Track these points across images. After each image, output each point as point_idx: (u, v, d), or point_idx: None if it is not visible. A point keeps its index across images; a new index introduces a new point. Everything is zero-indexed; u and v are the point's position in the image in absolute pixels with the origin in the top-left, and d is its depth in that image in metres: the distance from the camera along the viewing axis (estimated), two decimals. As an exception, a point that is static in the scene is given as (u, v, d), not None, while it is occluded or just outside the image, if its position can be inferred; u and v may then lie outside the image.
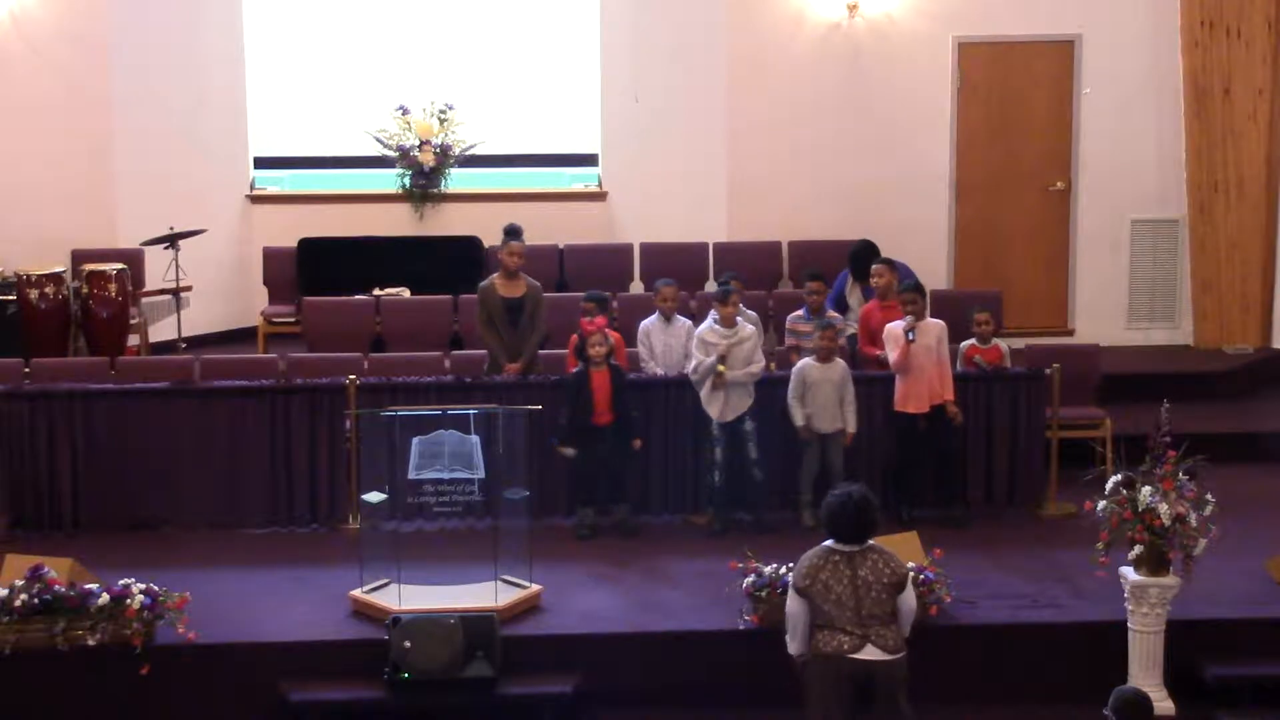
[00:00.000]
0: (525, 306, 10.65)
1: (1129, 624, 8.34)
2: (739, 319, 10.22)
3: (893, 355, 10.24)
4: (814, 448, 10.16)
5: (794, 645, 7.50)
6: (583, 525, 10.13)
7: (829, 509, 7.43)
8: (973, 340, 10.83)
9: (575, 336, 10.26)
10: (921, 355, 10.17)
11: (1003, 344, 10.89)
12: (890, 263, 11.08)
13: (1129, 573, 8.29)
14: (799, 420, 10.14)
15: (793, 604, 7.47)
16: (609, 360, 10.09)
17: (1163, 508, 8.08)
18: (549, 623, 8.79)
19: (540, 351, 10.79)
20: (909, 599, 7.47)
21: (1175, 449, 8.20)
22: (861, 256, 11.66)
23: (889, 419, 10.35)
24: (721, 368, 10.00)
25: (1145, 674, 8.31)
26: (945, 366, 10.30)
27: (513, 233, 10.78)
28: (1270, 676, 8.53)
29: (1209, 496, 8.21)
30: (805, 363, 10.25)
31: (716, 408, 10.08)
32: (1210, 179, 13.29)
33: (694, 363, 10.18)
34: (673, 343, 10.62)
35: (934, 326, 10.29)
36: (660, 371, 10.54)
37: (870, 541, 7.42)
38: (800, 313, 10.98)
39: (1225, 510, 8.30)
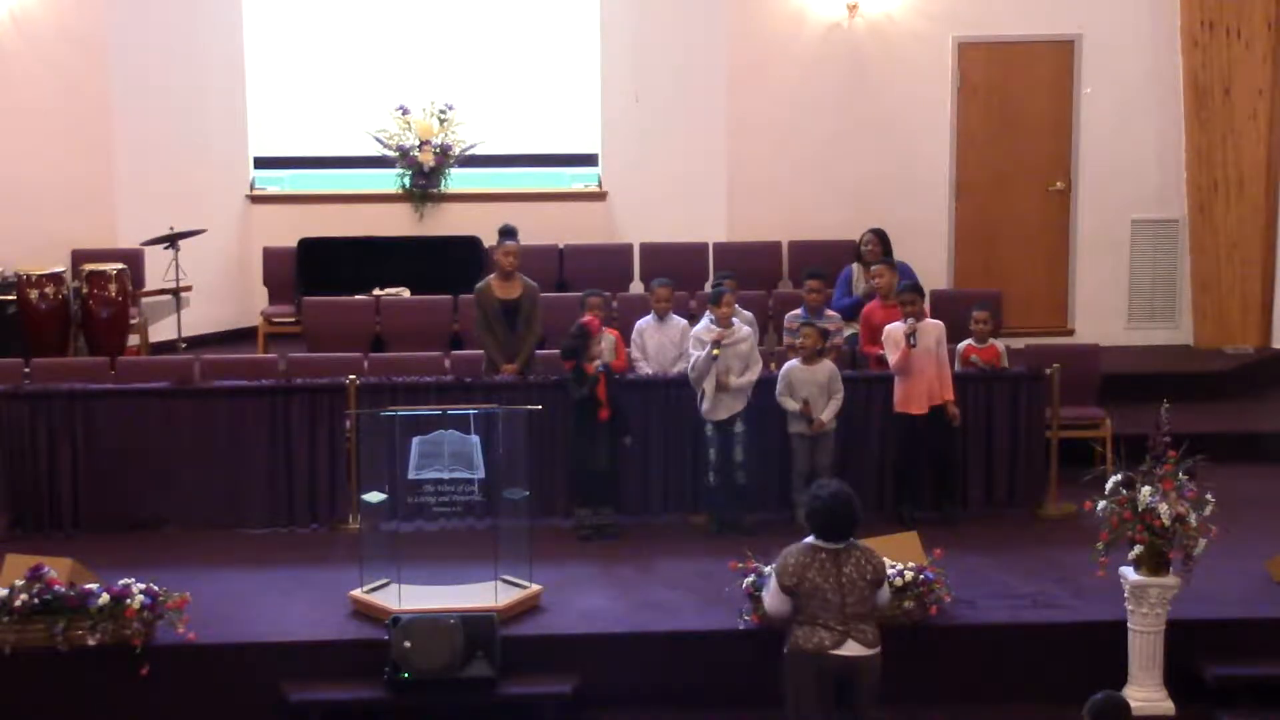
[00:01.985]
0: (522, 307, 10.65)
1: (1129, 624, 8.34)
2: (735, 319, 10.22)
3: (892, 357, 10.24)
4: (804, 449, 10.15)
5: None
6: (583, 526, 10.13)
7: (813, 507, 7.52)
8: (970, 340, 10.84)
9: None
10: (921, 356, 10.17)
11: (1000, 344, 10.90)
12: (891, 262, 11.09)
13: (1129, 573, 8.29)
14: (792, 406, 10.07)
15: (775, 602, 7.57)
16: (600, 361, 10.09)
17: (1163, 508, 8.08)
18: (549, 623, 8.79)
19: (538, 351, 10.79)
20: (884, 594, 7.68)
21: (1175, 449, 8.21)
22: None
23: (889, 420, 10.35)
24: (716, 351, 9.99)
25: (1145, 674, 8.31)
26: (945, 367, 10.30)
27: (508, 233, 10.79)
28: (1270, 676, 8.52)
29: (1209, 496, 8.20)
30: (791, 363, 10.25)
31: (709, 406, 10.07)
32: (1210, 179, 13.29)
33: (691, 360, 10.18)
34: (666, 342, 10.63)
35: (933, 327, 10.30)
36: (650, 371, 10.53)
37: (851, 539, 7.51)
38: (799, 312, 10.98)
39: (1225, 510, 8.30)
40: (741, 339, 10.17)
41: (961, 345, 10.79)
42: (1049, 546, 9.88)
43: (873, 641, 7.43)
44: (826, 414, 10.10)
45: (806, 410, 10.06)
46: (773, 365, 10.69)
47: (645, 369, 10.60)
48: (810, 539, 7.52)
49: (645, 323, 10.74)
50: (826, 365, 10.24)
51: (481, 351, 10.84)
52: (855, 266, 12.02)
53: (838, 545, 7.46)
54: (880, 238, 11.97)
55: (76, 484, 10.21)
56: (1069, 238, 13.60)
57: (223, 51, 13.64)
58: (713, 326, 10.14)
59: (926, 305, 10.84)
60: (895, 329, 10.26)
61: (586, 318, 10.25)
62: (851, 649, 7.36)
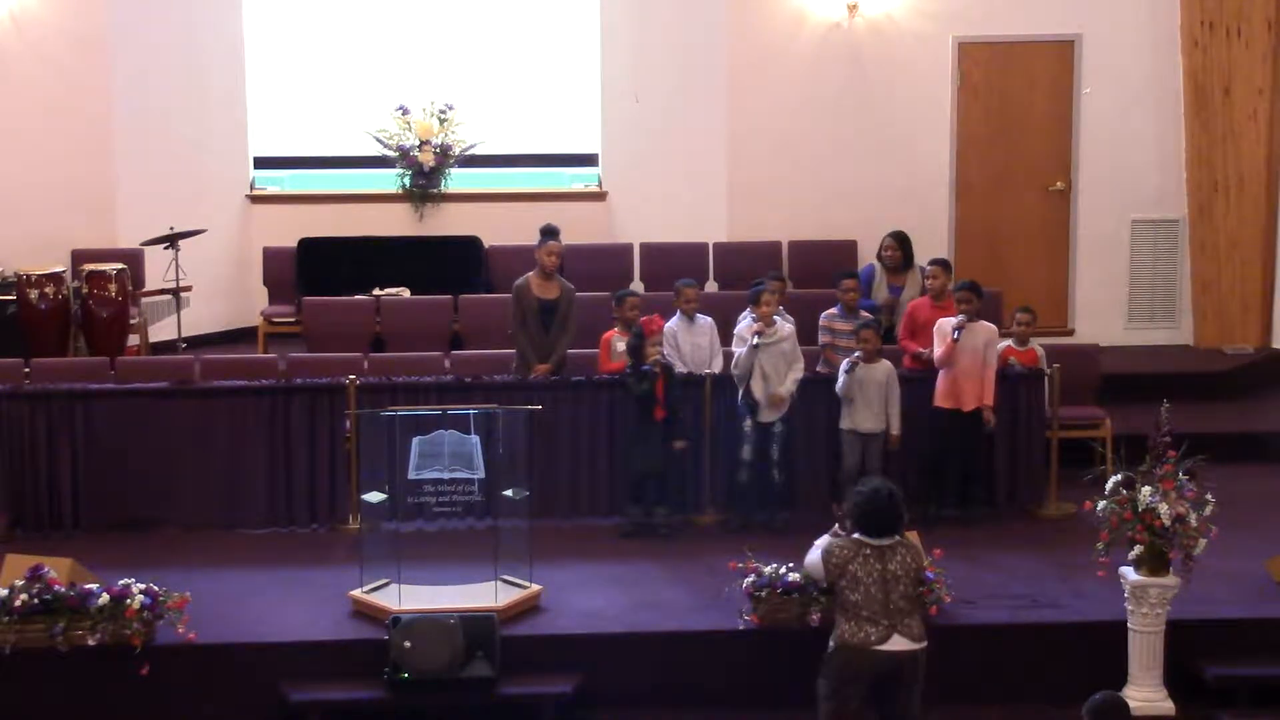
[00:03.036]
0: (559, 307, 10.62)
1: (1129, 624, 8.34)
2: (777, 318, 10.21)
3: (938, 350, 10.25)
4: (854, 447, 10.14)
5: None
6: (630, 523, 10.11)
7: (859, 504, 7.53)
8: (1010, 341, 10.80)
9: (608, 335, 10.38)
10: (967, 355, 10.17)
11: (1039, 346, 10.87)
12: (945, 263, 11.07)
13: (1129, 573, 8.29)
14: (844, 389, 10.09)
15: (815, 568, 7.67)
16: (663, 360, 10.11)
17: (1163, 508, 8.08)
18: (549, 623, 8.79)
19: (569, 352, 10.77)
20: None
21: (1175, 449, 8.21)
22: None
23: (918, 418, 10.31)
24: (756, 341, 9.99)
25: (1145, 674, 8.32)
26: (990, 370, 10.28)
27: (550, 233, 10.77)
28: (1270, 676, 8.52)
29: (1209, 496, 8.21)
30: (854, 358, 10.22)
31: (764, 408, 10.07)
32: (1210, 179, 13.29)
33: (735, 357, 10.17)
34: (700, 342, 10.58)
35: (984, 329, 10.30)
36: (688, 371, 10.47)
37: (899, 535, 7.53)
38: (835, 310, 10.92)
39: (1225, 510, 8.31)
40: (784, 337, 10.16)
41: (1001, 346, 10.73)
42: (1049, 546, 9.89)
43: (919, 635, 7.44)
44: (895, 426, 10.16)
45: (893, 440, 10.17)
46: (818, 366, 10.67)
47: (682, 368, 10.51)
48: (857, 534, 7.53)
49: (674, 324, 10.64)
50: (885, 364, 10.23)
51: (481, 351, 10.86)
52: (877, 267, 12.01)
53: (884, 541, 7.47)
54: (900, 241, 11.97)
55: (76, 484, 10.20)
56: (1069, 238, 13.60)
57: (223, 51, 13.64)
58: (754, 324, 10.14)
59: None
60: (946, 322, 10.27)
61: (644, 317, 10.22)
62: (897, 644, 7.37)
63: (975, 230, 13.57)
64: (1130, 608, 8.32)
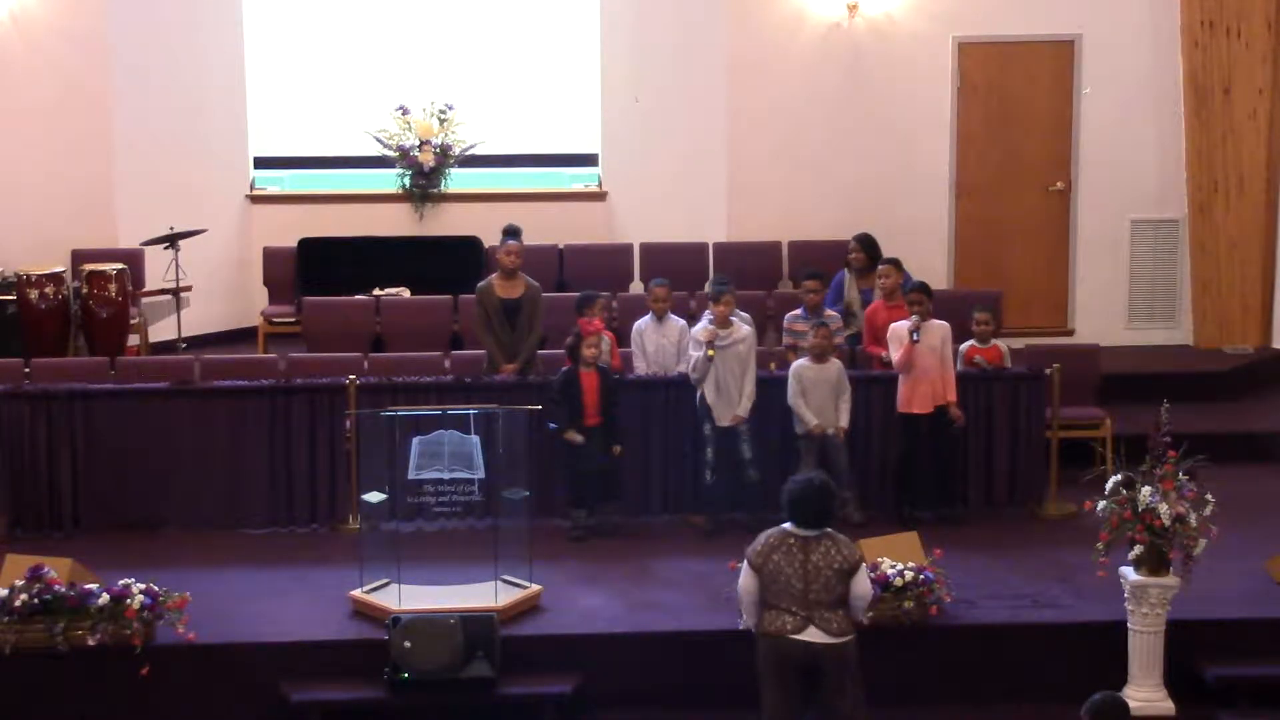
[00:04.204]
0: (524, 307, 10.65)
1: (1129, 624, 8.34)
2: (734, 319, 10.21)
3: (896, 355, 10.25)
4: (812, 451, 10.14)
5: (748, 620, 7.70)
6: (576, 527, 10.12)
7: (791, 493, 7.55)
8: (973, 340, 10.83)
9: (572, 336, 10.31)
10: (926, 356, 10.18)
11: (1002, 344, 10.89)
12: (897, 262, 11.07)
13: (1129, 573, 8.29)
14: (810, 421, 10.08)
15: (745, 579, 7.62)
16: (598, 363, 10.09)
17: (1163, 508, 8.08)
18: (549, 623, 8.79)
19: (539, 351, 10.79)
20: (862, 585, 7.54)
21: (1175, 449, 8.21)
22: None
23: (891, 419, 10.35)
24: (710, 352, 9.99)
25: (1145, 674, 8.31)
26: (949, 368, 10.31)
27: (511, 233, 10.80)
28: (1270, 676, 8.52)
29: (1209, 496, 8.20)
30: (800, 363, 10.24)
31: (720, 410, 10.07)
32: (1210, 179, 13.29)
33: (691, 361, 10.18)
34: (665, 343, 10.62)
35: (939, 328, 10.30)
36: (650, 372, 10.52)
37: (827, 529, 7.52)
38: (798, 312, 10.96)
39: (1225, 510, 8.30)
40: (740, 339, 10.16)
41: (964, 346, 10.78)
42: (1049, 546, 9.88)
43: (838, 631, 7.41)
44: (844, 419, 10.13)
45: (818, 430, 10.06)
46: (772, 365, 10.69)
47: (642, 369, 10.59)
48: (788, 524, 7.54)
49: (644, 324, 10.72)
50: (835, 364, 10.24)
51: (481, 351, 10.85)
52: (846, 273, 11.97)
53: (810, 533, 7.47)
54: (864, 244, 11.78)
55: (76, 484, 10.20)
56: (1069, 238, 13.60)
57: (223, 51, 13.64)
58: (709, 326, 10.14)
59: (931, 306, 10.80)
60: (900, 326, 10.27)
61: (582, 319, 10.22)
62: (813, 635, 7.38)
63: (975, 230, 13.57)
64: (1130, 608, 8.32)
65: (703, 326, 10.22)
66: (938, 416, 10.22)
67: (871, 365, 10.81)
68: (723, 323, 10.12)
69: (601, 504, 10.18)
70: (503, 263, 10.68)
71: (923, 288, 10.41)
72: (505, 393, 10.10)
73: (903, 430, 10.31)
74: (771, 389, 10.27)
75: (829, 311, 11.03)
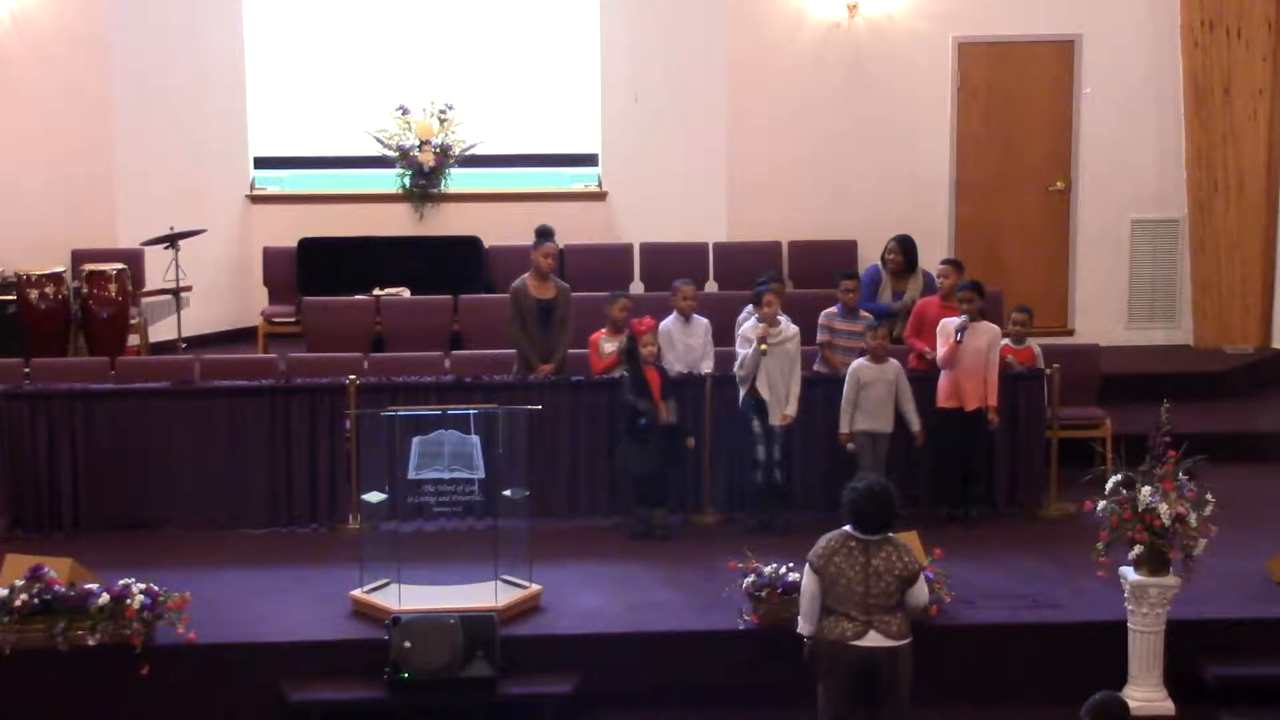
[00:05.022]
0: (557, 307, 10.65)
1: (1129, 624, 8.34)
2: (780, 318, 10.21)
3: (941, 350, 10.26)
4: (868, 453, 10.09)
5: (805, 626, 7.58)
6: (639, 523, 10.10)
7: (852, 497, 7.52)
8: (1007, 340, 10.80)
9: (596, 335, 10.37)
10: (970, 356, 10.17)
11: (1036, 345, 10.87)
12: (957, 264, 11.05)
13: (1129, 573, 8.29)
14: (846, 427, 10.09)
15: (808, 582, 7.55)
16: (656, 361, 10.11)
17: (1163, 508, 8.08)
18: (549, 623, 8.79)
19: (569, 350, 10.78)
20: (919, 593, 7.56)
21: (1175, 449, 8.21)
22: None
23: (928, 416, 10.30)
24: (763, 348, 10.00)
25: (1145, 674, 8.32)
26: (993, 370, 10.28)
27: (545, 234, 10.81)
28: (1270, 676, 8.53)
29: (1209, 496, 8.21)
30: (859, 363, 10.22)
31: (772, 408, 10.08)
32: (1210, 179, 13.29)
33: (739, 358, 10.17)
34: (693, 342, 10.58)
35: (987, 330, 10.30)
36: (681, 369, 10.48)
37: (889, 534, 7.50)
38: (834, 309, 10.92)
39: (1225, 510, 8.31)
40: (789, 337, 10.16)
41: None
42: (1049, 546, 9.89)
43: (897, 635, 7.39)
44: (915, 423, 10.17)
45: (844, 440, 10.11)
46: (817, 365, 10.68)
47: (678, 367, 10.52)
48: (847, 527, 7.53)
49: (670, 323, 10.65)
50: (893, 364, 10.24)
51: (482, 351, 10.86)
52: (881, 269, 11.99)
53: (871, 537, 7.46)
54: (903, 245, 11.90)
55: (76, 484, 10.21)
56: (1069, 238, 13.60)
57: (223, 51, 13.64)
58: (758, 324, 10.14)
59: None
60: (949, 322, 10.28)
61: (634, 319, 10.21)
62: (873, 640, 7.34)
63: (975, 230, 13.57)
64: (1130, 608, 8.32)
65: (752, 324, 10.22)
66: (975, 417, 10.21)
67: (908, 359, 10.74)
68: (771, 321, 10.12)
69: (655, 508, 10.14)
70: (539, 264, 10.67)
71: (975, 286, 10.40)
72: (505, 392, 10.10)
73: (938, 426, 10.29)
74: (813, 388, 10.27)
75: (863, 312, 10.96)
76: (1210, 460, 8.29)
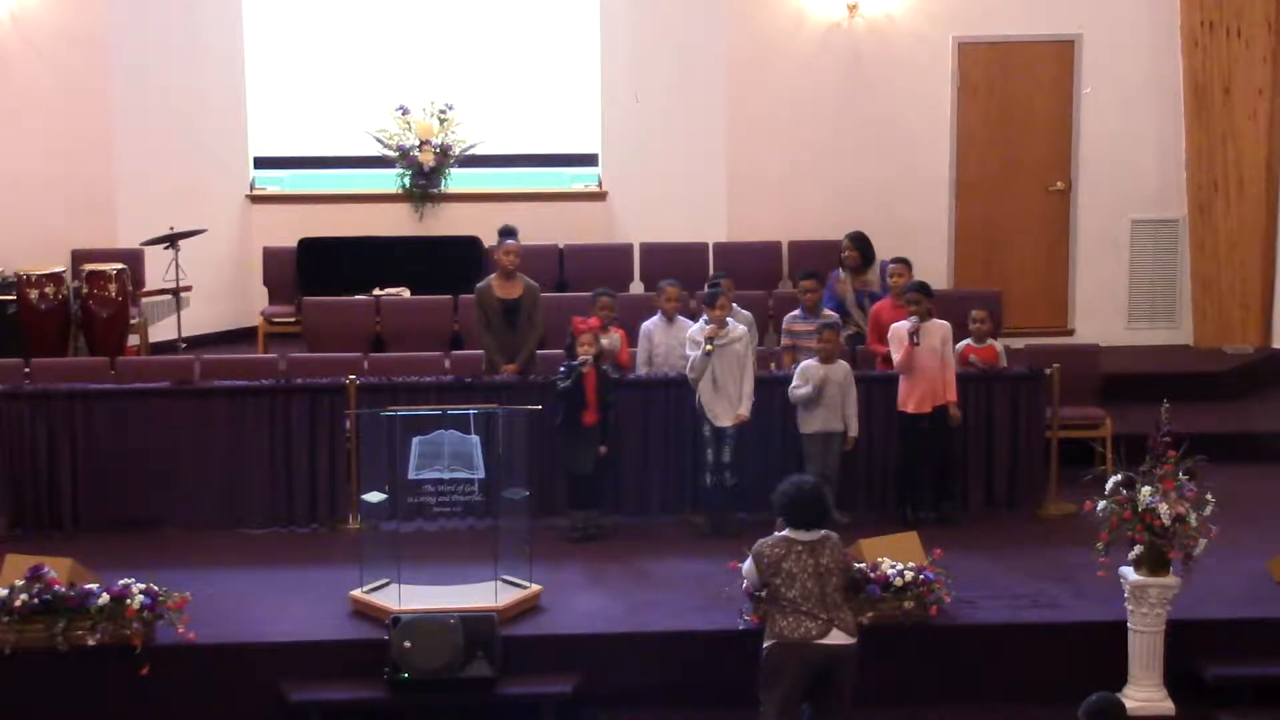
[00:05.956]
0: (523, 306, 10.64)
1: (1129, 624, 8.34)
2: (730, 320, 10.21)
3: (896, 355, 10.25)
4: (817, 455, 10.11)
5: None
6: (574, 528, 10.11)
7: (786, 497, 7.56)
8: (969, 340, 10.83)
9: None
10: (926, 356, 10.18)
11: (998, 344, 10.89)
12: (907, 262, 11.05)
13: (1129, 573, 8.29)
14: (806, 391, 10.02)
15: (752, 577, 7.68)
16: (596, 361, 10.08)
17: (1163, 508, 8.08)
18: (549, 623, 8.79)
19: (539, 351, 10.78)
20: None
21: (1175, 449, 8.21)
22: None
23: (891, 420, 10.34)
24: (709, 348, 9.99)
25: (1145, 674, 8.32)
26: (949, 368, 10.30)
27: (508, 233, 10.80)
28: (1270, 676, 8.53)
29: (1209, 496, 8.21)
30: (809, 363, 10.23)
31: (719, 411, 10.06)
32: (1210, 179, 13.29)
33: (690, 360, 10.18)
34: (674, 343, 10.60)
35: (938, 328, 10.29)
36: (658, 372, 10.52)
37: (825, 530, 7.55)
38: (797, 312, 10.95)
39: (1225, 510, 8.31)
40: (736, 338, 10.15)
41: (960, 345, 10.78)
42: (1049, 546, 9.89)
43: (853, 630, 7.47)
44: (853, 429, 10.14)
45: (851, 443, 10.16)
46: (773, 365, 10.68)
47: (645, 369, 10.58)
48: (785, 531, 7.54)
49: (653, 323, 10.69)
50: (843, 365, 10.24)
51: (480, 351, 10.84)
52: (840, 271, 11.96)
53: (812, 536, 7.48)
54: (856, 242, 11.75)
55: (76, 484, 10.21)
56: (1069, 238, 13.60)
57: (223, 51, 13.64)
58: (707, 325, 10.14)
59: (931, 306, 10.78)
60: (900, 327, 10.27)
61: (575, 317, 10.21)
62: (835, 638, 7.38)
63: (975, 230, 13.57)
64: (1130, 608, 8.32)
65: (699, 326, 10.23)
66: (937, 417, 10.22)
67: (874, 364, 10.79)
68: (720, 323, 10.12)
69: (588, 509, 10.15)
70: (502, 263, 10.67)
71: (921, 287, 10.40)
72: (506, 392, 10.10)
73: (902, 430, 10.31)
74: (771, 389, 10.25)
75: (826, 311, 11.00)
76: (1210, 460, 8.29)
